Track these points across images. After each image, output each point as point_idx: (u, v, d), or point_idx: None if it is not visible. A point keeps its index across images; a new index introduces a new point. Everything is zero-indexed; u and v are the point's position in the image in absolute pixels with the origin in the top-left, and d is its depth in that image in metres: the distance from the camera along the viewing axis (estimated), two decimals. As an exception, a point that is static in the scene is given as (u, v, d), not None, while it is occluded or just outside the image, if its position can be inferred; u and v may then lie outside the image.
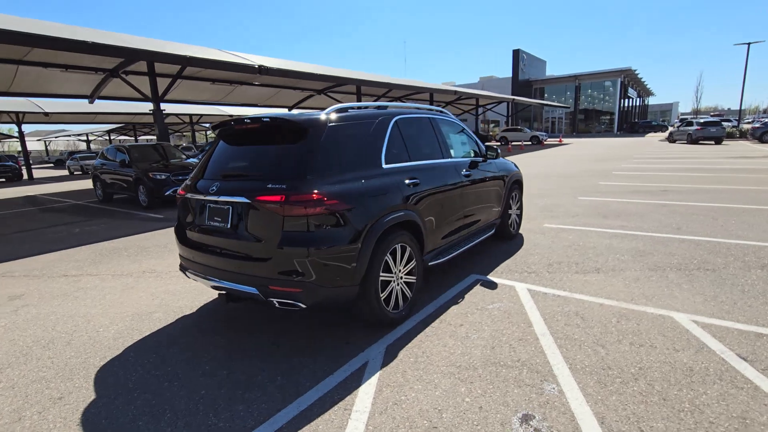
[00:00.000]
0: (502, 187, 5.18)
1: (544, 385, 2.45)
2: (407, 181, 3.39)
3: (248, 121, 3.03)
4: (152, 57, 10.23)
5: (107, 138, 45.49)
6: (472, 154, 4.81)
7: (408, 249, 3.34)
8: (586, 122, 52.95)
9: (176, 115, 29.99)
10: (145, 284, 4.55)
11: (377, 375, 2.63)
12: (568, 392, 2.37)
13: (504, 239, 5.57)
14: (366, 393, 2.45)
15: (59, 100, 17.25)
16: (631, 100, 59.95)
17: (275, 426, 2.20)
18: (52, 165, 43.13)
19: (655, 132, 46.74)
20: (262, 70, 11.04)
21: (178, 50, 10.57)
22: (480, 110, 37.12)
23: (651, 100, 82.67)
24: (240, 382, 2.62)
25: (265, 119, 2.98)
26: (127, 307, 3.92)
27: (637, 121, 54.46)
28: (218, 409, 2.37)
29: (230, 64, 10.70)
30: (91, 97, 15.63)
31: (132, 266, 5.27)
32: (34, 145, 54.46)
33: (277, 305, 2.78)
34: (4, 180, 22.91)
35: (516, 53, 50.71)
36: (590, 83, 52.46)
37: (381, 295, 3.07)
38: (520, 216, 5.88)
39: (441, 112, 4.55)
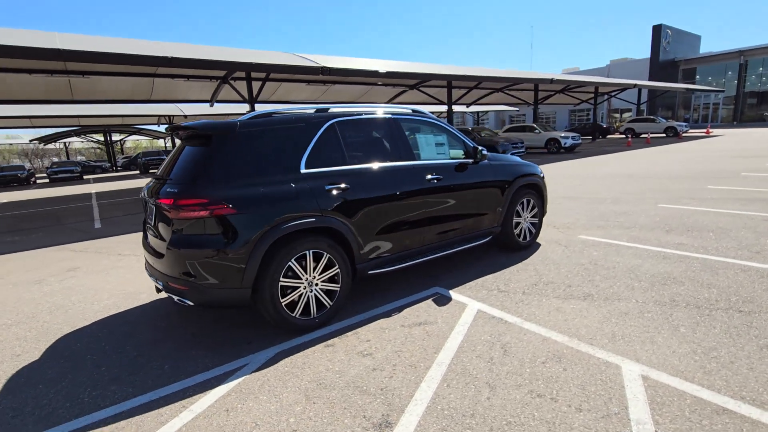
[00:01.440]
0: (500, 193, 4.63)
1: (381, 421, 2.21)
2: (328, 187, 3.30)
3: (178, 127, 3.30)
4: (248, 67, 11.71)
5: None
6: (460, 157, 4.40)
7: (326, 256, 3.27)
8: (759, 108, 42.64)
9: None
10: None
11: (241, 379, 2.67)
12: (397, 434, 2.10)
13: (510, 250, 4.98)
14: (215, 394, 2.53)
15: (189, 104, 20.62)
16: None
17: (116, 410, 2.43)
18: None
19: None
20: (325, 71, 11.62)
21: (261, 59, 11.76)
22: (602, 98, 32.88)
23: None
24: (137, 365, 2.93)
25: (183, 126, 3.21)
26: (128, 286, 4.62)
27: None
28: (98, 386, 2.70)
29: (297, 68, 11.60)
30: (210, 101, 18.29)
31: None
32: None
33: (176, 300, 3.02)
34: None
35: (657, 29, 43.30)
36: (762, 59, 42.07)
37: (282, 301, 3.08)
38: (536, 225, 5.18)
39: (416, 112, 4.26)
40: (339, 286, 3.38)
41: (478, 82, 20.39)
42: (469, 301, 3.67)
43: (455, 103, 24.67)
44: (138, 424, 2.30)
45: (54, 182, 25.90)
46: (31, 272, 5.44)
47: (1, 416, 2.44)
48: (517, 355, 2.77)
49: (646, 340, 2.86)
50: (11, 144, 46.92)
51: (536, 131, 21.02)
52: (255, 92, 13.97)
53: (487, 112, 48.63)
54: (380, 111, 3.94)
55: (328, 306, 3.34)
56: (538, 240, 5.45)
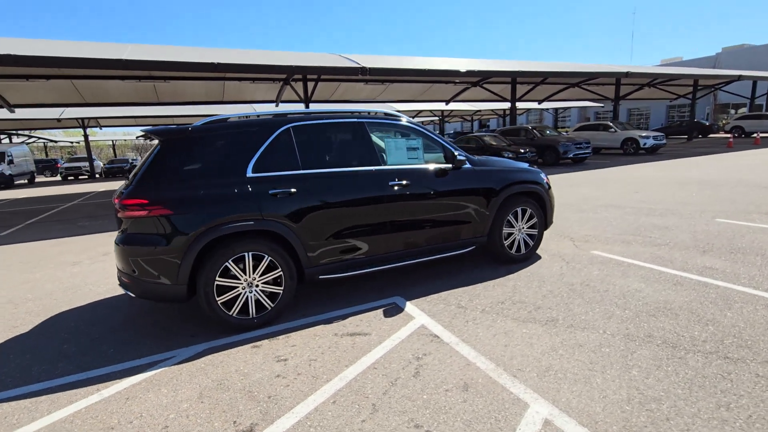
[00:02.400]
0: (485, 202, 4.32)
1: (246, 429, 2.21)
2: (272, 191, 3.35)
3: (144, 132, 3.57)
4: (302, 70, 12.39)
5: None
6: (439, 162, 4.20)
7: (267, 258, 3.33)
8: None
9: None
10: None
11: (159, 370, 2.85)
12: None
13: (501, 262, 4.63)
14: (129, 382, 2.73)
15: (258, 104, 22.12)
16: None
17: (47, 385, 2.73)
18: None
19: None
20: (364, 71, 11.70)
21: (310, 62, 12.27)
22: (704, 91, 28.80)
23: None
24: (91, 347, 3.26)
25: (143, 130, 3.47)
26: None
27: None
28: (51, 361, 3.06)
29: (340, 69, 11.96)
30: (276, 101, 19.45)
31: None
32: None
33: (127, 292, 3.30)
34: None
35: (785, 10, 36.61)
36: None
37: (218, 299, 3.21)
38: (535, 237, 4.74)
39: (388, 115, 4.14)
40: (282, 288, 3.43)
41: (543, 77, 19.09)
42: (420, 314, 3.49)
43: (522, 100, 23.37)
44: (54, 400, 2.57)
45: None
46: (76, 254, 6.30)
47: (-30, 378, 2.89)
48: (426, 378, 2.59)
49: (581, 379, 2.49)
50: (125, 140, 54.81)
51: (611, 130, 19.09)
52: (310, 92, 14.57)
53: (567, 108, 45.31)
54: (347, 114, 3.90)
55: (269, 308, 3.40)
56: (542, 252, 4.99)
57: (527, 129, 17.64)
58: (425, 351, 2.91)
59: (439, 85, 21.37)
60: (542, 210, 4.78)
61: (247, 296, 3.33)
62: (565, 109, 46.18)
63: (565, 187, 10.09)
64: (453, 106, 29.35)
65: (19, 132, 32.79)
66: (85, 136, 27.68)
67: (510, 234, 4.58)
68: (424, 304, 3.69)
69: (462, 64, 15.60)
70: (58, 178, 29.54)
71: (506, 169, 4.60)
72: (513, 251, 4.61)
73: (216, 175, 3.27)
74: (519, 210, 4.58)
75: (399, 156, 4.03)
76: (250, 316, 3.35)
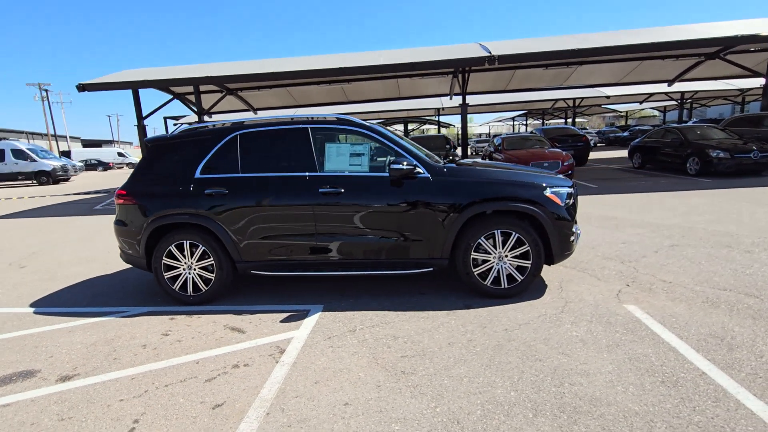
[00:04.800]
0: (440, 219, 3.66)
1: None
2: (208, 191, 3.85)
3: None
4: (458, 63, 12.38)
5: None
6: (391, 169, 3.81)
7: (201, 248, 3.90)
8: None
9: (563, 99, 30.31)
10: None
11: (104, 319, 3.82)
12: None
13: (480, 294, 3.81)
14: (83, 321, 3.79)
15: (427, 99, 22.60)
16: None
17: (94, 312, 4.08)
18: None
19: None
20: (491, 60, 10.39)
21: (456, 54, 11.97)
22: None
23: None
24: (100, 297, 4.57)
25: (145, 140, 4.48)
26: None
27: None
28: (87, 299, 4.48)
29: (473, 60, 11.07)
30: (449, 94, 19.67)
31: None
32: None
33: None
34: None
35: None
36: None
37: (165, 274, 3.98)
38: (527, 270, 3.69)
39: (340, 120, 3.99)
40: (213, 275, 3.95)
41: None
42: (309, 327, 3.40)
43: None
44: (84, 319, 3.86)
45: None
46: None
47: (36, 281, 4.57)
48: (219, 386, 2.65)
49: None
50: None
51: None
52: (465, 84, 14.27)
53: None
54: (295, 121, 4.00)
55: (203, 290, 3.98)
56: (553, 289, 3.84)
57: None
58: (251, 362, 2.91)
59: (652, 62, 17.03)
60: (542, 237, 3.66)
61: (186, 276, 3.99)
62: None
63: None
64: (677, 86, 22.66)
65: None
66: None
67: (486, 261, 3.72)
68: (328, 319, 3.54)
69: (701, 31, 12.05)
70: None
71: (489, 181, 3.73)
72: (487, 283, 3.74)
73: (174, 175, 4.01)
74: (498, 233, 3.66)
75: (339, 162, 3.86)
76: (188, 293, 4.00)
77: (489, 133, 61.09)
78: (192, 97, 17.04)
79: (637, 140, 14.90)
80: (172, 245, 3.94)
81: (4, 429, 2.35)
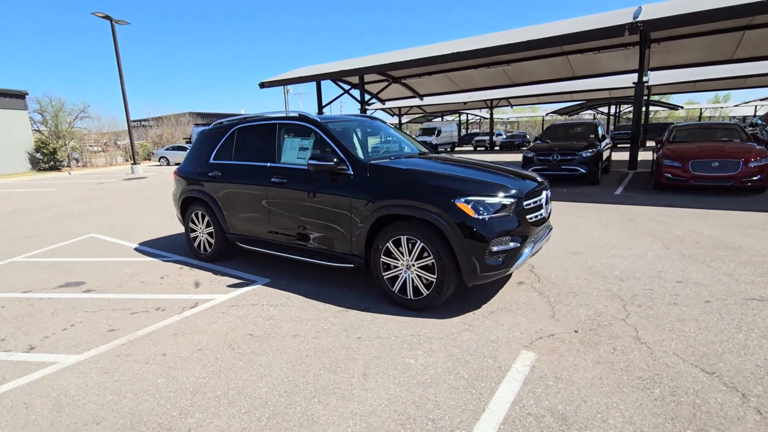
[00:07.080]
0: (356, 216, 3.63)
1: None
2: (210, 173, 4.83)
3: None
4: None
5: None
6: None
7: (206, 218, 4.97)
8: None
9: None
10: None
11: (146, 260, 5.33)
12: None
13: (391, 302, 3.66)
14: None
15: (610, 76, 18.06)
16: None
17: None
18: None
19: None
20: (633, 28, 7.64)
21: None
22: None
23: None
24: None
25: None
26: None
27: None
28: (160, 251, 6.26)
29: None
30: (639, 71, 15.98)
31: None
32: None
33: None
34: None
35: None
36: None
37: (190, 235, 5.24)
38: (435, 285, 3.31)
39: (301, 116, 4.27)
40: (214, 240, 4.98)
41: None
42: (227, 294, 4.01)
43: None
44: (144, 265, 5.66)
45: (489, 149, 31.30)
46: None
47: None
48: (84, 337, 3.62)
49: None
50: (530, 116, 58.00)
51: None
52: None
53: None
54: (271, 118, 4.52)
55: (208, 251, 5.07)
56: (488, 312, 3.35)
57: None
58: (167, 309, 3.74)
59: None
60: (449, 248, 3.21)
61: (200, 239, 5.15)
62: None
63: None
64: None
65: (463, 112, 42.64)
66: (491, 114, 33.36)
67: (396, 267, 3.52)
68: (255, 292, 4.06)
69: None
70: (470, 147, 36.11)
71: (403, 182, 3.47)
72: (395, 289, 3.53)
73: (200, 159, 5.15)
74: (404, 239, 3.39)
75: (290, 155, 4.22)
76: (200, 251, 5.17)
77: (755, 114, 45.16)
78: (369, 87, 19.35)
79: None
80: (193, 214, 5.16)
81: (61, 310, 3.87)
